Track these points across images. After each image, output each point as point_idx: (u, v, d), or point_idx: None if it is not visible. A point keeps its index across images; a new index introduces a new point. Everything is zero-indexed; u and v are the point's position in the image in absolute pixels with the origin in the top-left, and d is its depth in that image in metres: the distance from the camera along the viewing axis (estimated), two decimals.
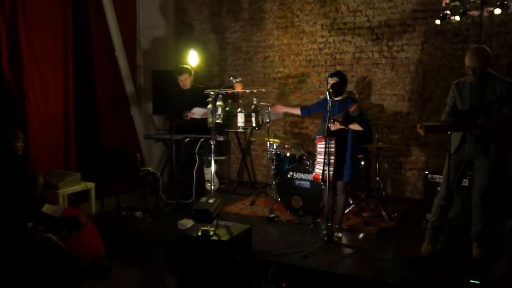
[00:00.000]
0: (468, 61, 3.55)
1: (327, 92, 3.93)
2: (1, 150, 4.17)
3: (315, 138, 4.31)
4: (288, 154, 5.28)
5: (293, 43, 6.68)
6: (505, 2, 4.90)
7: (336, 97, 4.15)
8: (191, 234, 3.52)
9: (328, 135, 4.01)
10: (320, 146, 4.17)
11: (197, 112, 5.36)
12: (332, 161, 4.09)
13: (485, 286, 3.17)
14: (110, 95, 6.27)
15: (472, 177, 3.75)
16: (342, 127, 4.11)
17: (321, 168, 4.09)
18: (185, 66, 5.61)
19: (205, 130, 5.21)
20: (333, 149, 4.12)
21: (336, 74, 4.21)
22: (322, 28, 6.44)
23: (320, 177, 4.13)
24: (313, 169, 4.37)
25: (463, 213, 4.22)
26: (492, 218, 3.68)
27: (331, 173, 4.07)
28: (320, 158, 4.18)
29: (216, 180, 5.12)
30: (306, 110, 4.60)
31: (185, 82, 5.45)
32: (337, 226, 4.39)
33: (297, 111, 4.64)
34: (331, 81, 4.13)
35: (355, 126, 4.11)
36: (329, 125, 4.03)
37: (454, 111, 3.71)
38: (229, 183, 6.81)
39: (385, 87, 6.11)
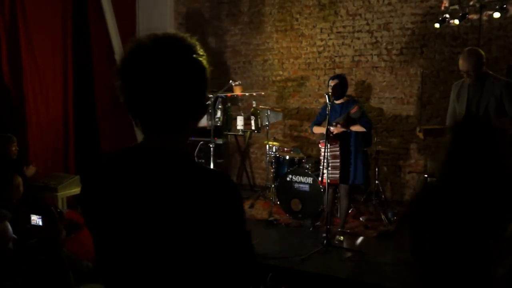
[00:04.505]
0: (460, 65, 3.57)
1: (326, 96, 3.95)
2: None
3: (319, 142, 4.31)
4: (287, 157, 5.27)
5: (292, 46, 6.69)
6: (504, 6, 4.92)
7: (337, 100, 4.17)
8: None
9: (328, 138, 4.02)
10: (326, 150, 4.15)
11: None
12: (337, 164, 4.10)
13: None
14: (110, 98, 6.25)
15: None
16: (344, 129, 4.11)
17: (328, 172, 4.11)
18: None
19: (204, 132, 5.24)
20: (337, 152, 4.13)
21: (337, 77, 4.23)
22: (321, 32, 6.45)
23: (326, 181, 4.13)
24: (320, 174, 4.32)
25: None
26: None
27: (337, 176, 4.09)
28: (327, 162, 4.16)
29: None
30: (316, 124, 4.50)
31: None
32: (339, 230, 4.39)
33: (315, 130, 4.51)
34: (332, 83, 4.15)
35: (357, 128, 4.12)
36: (330, 127, 4.05)
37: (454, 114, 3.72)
38: None
39: (384, 90, 6.11)
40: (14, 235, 3.45)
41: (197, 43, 1.11)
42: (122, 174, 1.09)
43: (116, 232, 1.09)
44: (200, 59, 1.09)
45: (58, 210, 3.60)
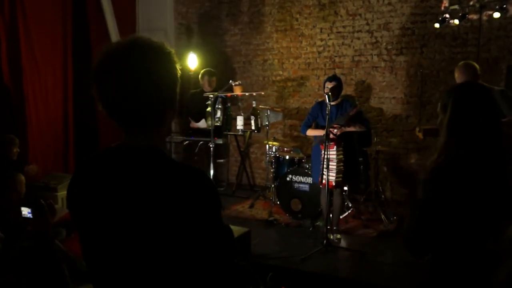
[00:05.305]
0: (457, 78, 3.63)
1: (327, 96, 3.95)
2: None
3: (318, 144, 4.29)
4: (287, 157, 5.28)
5: (292, 46, 6.69)
6: (504, 6, 4.92)
7: (332, 101, 4.16)
8: None
9: (328, 140, 4.01)
10: (330, 153, 4.13)
11: (201, 124, 5.42)
12: (342, 168, 4.10)
13: None
14: None
15: None
16: (349, 130, 4.12)
17: (334, 174, 4.10)
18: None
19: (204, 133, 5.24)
20: (342, 156, 4.12)
21: (334, 78, 4.23)
22: (321, 31, 6.45)
23: (334, 184, 4.13)
24: (317, 176, 4.31)
25: None
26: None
27: (341, 179, 4.10)
28: (331, 165, 4.13)
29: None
30: (308, 126, 4.47)
31: (213, 84, 5.58)
32: (334, 228, 4.40)
33: (308, 133, 4.46)
34: (329, 85, 4.14)
35: (360, 127, 4.14)
36: (333, 129, 4.04)
37: None
38: (228, 186, 6.80)
39: (384, 90, 6.11)
40: (1, 234, 3.45)
41: (164, 43, 1.18)
42: (103, 175, 1.14)
43: (98, 232, 1.13)
44: (170, 55, 1.16)
45: (48, 202, 3.58)
